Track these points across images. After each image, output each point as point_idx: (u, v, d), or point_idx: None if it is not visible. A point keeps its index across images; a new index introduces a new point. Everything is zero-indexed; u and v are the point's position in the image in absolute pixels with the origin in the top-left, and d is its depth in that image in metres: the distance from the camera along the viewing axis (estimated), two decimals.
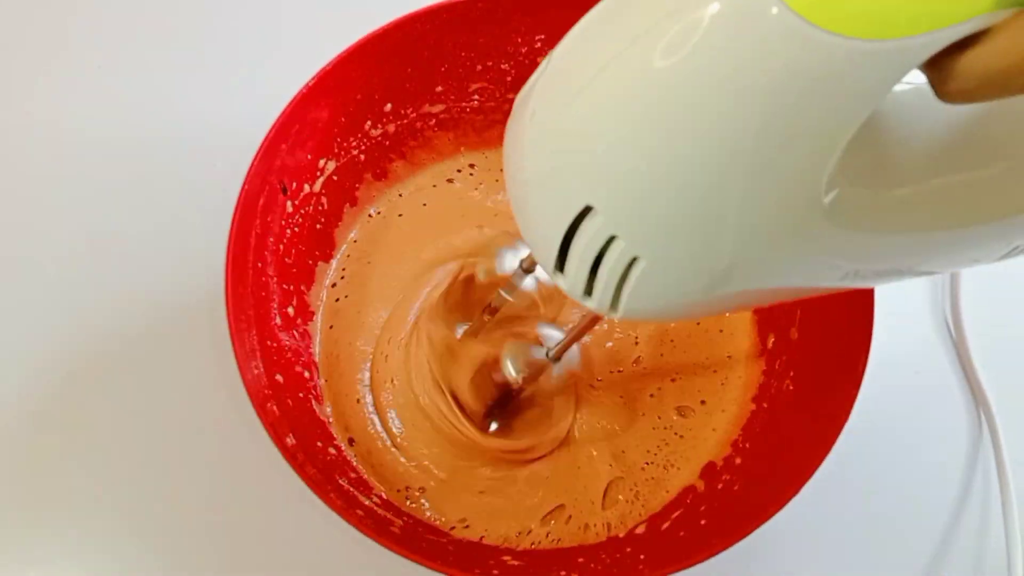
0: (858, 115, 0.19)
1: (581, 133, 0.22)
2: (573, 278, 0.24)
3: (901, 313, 0.46)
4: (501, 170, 0.46)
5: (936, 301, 0.47)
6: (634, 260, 0.22)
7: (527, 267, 0.36)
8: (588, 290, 0.24)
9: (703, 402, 0.42)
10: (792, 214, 0.21)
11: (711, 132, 0.20)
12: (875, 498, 0.42)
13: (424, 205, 0.45)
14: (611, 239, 0.22)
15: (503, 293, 0.38)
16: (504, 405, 0.41)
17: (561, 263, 0.24)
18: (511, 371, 0.37)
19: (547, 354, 0.37)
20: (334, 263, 0.44)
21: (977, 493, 0.43)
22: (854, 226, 0.22)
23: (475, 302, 0.42)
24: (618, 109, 0.21)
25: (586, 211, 0.22)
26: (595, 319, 0.34)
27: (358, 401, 0.41)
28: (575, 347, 0.39)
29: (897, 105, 0.23)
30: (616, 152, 0.21)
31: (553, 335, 0.40)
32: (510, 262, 0.38)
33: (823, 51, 0.18)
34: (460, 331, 0.41)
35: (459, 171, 0.46)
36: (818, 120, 0.19)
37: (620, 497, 0.40)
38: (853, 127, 0.19)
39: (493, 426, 0.40)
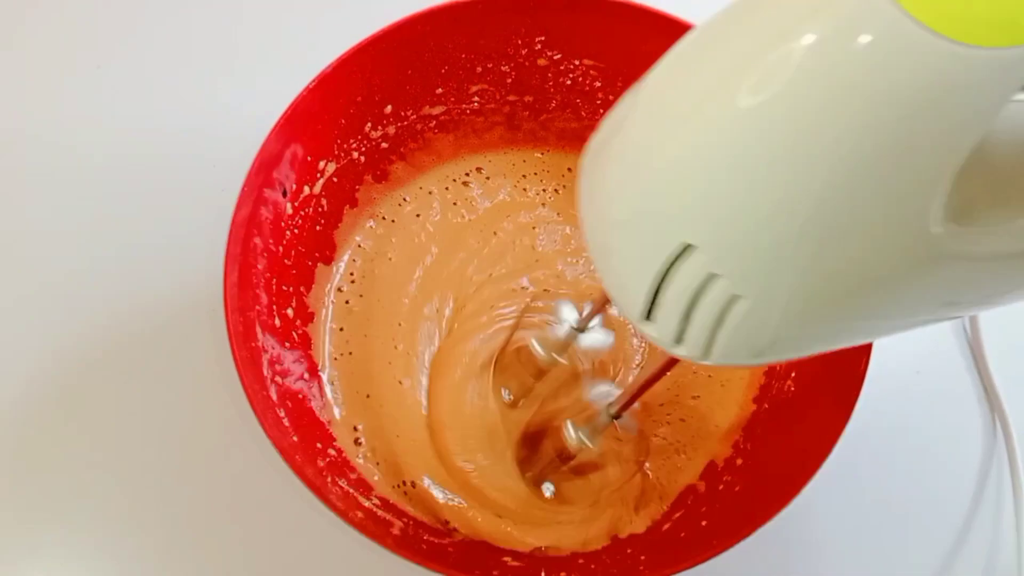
0: (976, 132, 0.18)
1: (680, 170, 0.21)
2: (664, 323, 0.23)
3: None
4: (502, 176, 0.46)
5: None
6: (733, 300, 0.21)
7: (580, 327, 0.35)
8: (679, 337, 0.23)
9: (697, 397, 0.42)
10: (904, 244, 0.20)
11: (823, 160, 0.19)
12: (878, 499, 0.42)
13: (434, 206, 0.46)
14: (710, 278, 0.21)
15: (555, 355, 0.38)
16: (555, 470, 0.40)
17: (649, 309, 0.23)
18: (572, 436, 0.36)
19: (608, 411, 0.35)
20: (343, 265, 0.43)
21: (984, 495, 0.43)
22: (963, 255, 0.21)
23: (523, 367, 0.41)
24: (722, 143, 0.20)
25: (684, 250, 0.21)
26: (657, 375, 0.32)
27: (368, 397, 0.41)
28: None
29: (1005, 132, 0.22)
30: (721, 187, 0.20)
31: (607, 392, 0.39)
32: (563, 324, 0.37)
33: (944, 61, 0.17)
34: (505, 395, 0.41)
35: (467, 174, 0.46)
36: (933, 139, 0.18)
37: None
38: (970, 145, 0.18)
39: (548, 490, 0.40)
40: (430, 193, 0.46)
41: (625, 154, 0.23)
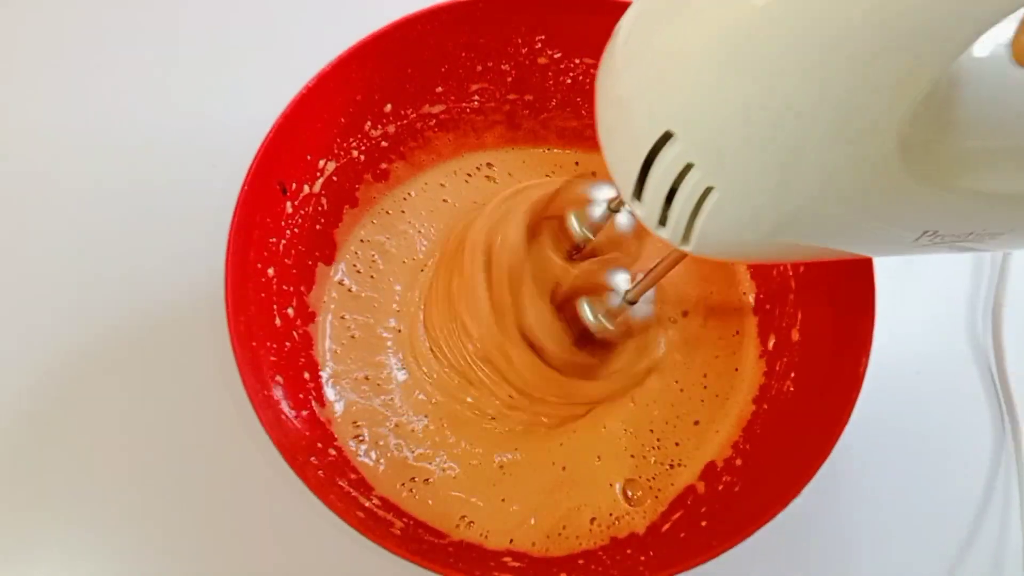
0: (946, 55, 0.19)
1: (669, 57, 0.22)
2: (649, 206, 0.24)
3: (901, 316, 0.46)
4: (507, 174, 0.46)
5: (952, 302, 0.47)
6: (709, 191, 0.23)
7: (615, 207, 0.37)
8: (663, 220, 0.25)
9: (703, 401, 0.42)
10: (869, 158, 0.21)
11: (802, 66, 0.20)
12: (878, 499, 0.42)
13: (444, 201, 0.46)
14: (688, 167, 0.23)
15: (585, 229, 0.39)
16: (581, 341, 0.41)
17: (639, 190, 0.25)
18: (589, 317, 0.38)
19: (624, 298, 0.37)
20: (343, 264, 0.43)
21: (990, 495, 0.43)
22: (929, 180, 0.22)
23: (557, 233, 0.42)
24: (710, 37, 0.21)
25: (666, 137, 0.23)
26: (673, 262, 0.34)
27: (365, 381, 0.41)
28: (651, 293, 0.39)
29: (976, 70, 0.23)
30: (701, 79, 0.21)
31: (624, 280, 0.39)
32: (599, 201, 0.38)
33: None
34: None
35: (478, 168, 0.46)
36: (907, 55, 0.19)
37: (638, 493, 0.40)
38: (940, 66, 0.19)
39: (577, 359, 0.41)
40: (441, 185, 0.46)
41: (631, 37, 0.24)
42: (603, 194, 0.39)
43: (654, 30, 0.23)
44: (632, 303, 0.37)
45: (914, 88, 0.20)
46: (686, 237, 0.25)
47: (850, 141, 0.21)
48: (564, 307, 0.40)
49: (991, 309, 0.47)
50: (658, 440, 0.41)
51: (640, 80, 0.23)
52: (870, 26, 0.19)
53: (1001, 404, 0.44)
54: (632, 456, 0.41)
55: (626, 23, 0.25)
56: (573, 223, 0.39)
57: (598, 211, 0.39)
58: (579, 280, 0.40)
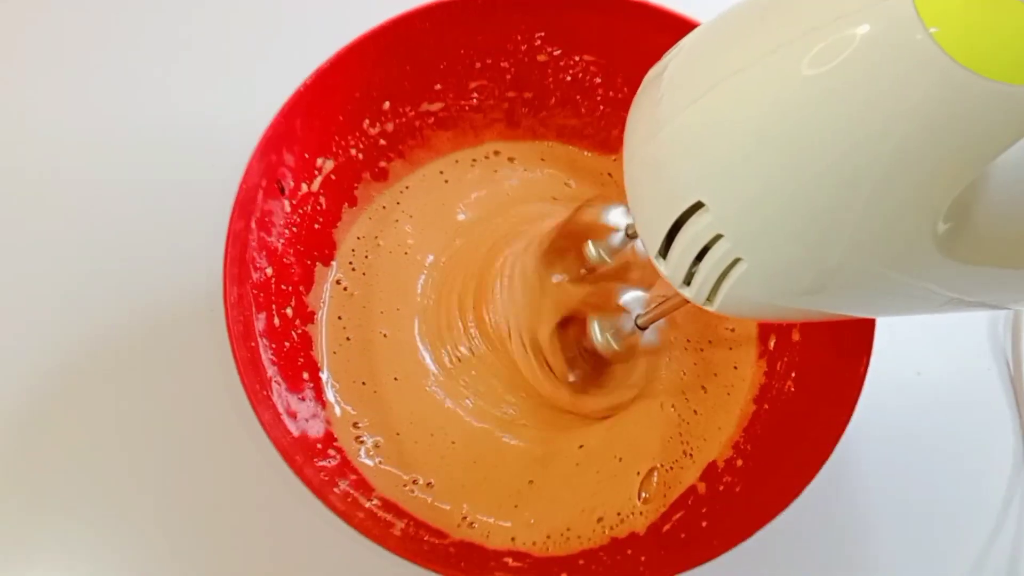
0: (988, 156, 0.19)
1: (706, 130, 0.22)
2: (674, 267, 0.25)
3: (902, 316, 0.46)
4: (526, 159, 0.46)
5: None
6: (736, 261, 0.23)
7: (632, 234, 0.36)
8: (687, 280, 0.25)
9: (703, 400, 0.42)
10: (903, 240, 0.21)
11: (841, 149, 0.20)
12: (880, 500, 0.42)
13: (447, 182, 0.45)
14: (717, 237, 0.23)
15: (603, 254, 0.39)
16: (584, 364, 0.41)
17: (665, 249, 0.25)
18: (597, 336, 0.37)
19: (635, 322, 0.37)
20: (342, 261, 0.43)
21: (990, 497, 0.43)
22: (962, 258, 0.22)
23: (573, 257, 0.41)
24: (749, 113, 0.21)
25: (697, 206, 0.22)
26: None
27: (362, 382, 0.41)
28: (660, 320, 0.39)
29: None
30: (738, 155, 0.21)
31: (638, 301, 0.39)
32: (616, 221, 0.38)
33: (964, 89, 0.18)
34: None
35: (487, 157, 0.46)
36: (949, 154, 0.19)
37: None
38: (982, 166, 0.19)
39: (570, 378, 0.40)
40: (440, 172, 0.46)
41: (661, 101, 0.24)
42: (621, 220, 0.38)
43: (695, 98, 0.22)
44: (642, 328, 0.37)
45: (953, 185, 0.20)
46: (710, 299, 0.25)
47: (883, 226, 0.21)
48: (567, 324, 0.40)
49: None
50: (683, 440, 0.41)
51: (675, 145, 0.23)
52: (916, 130, 0.19)
53: (1011, 405, 0.44)
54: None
55: (666, 81, 0.24)
56: (591, 250, 0.39)
57: (616, 238, 0.38)
58: (592, 298, 0.40)
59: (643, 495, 0.40)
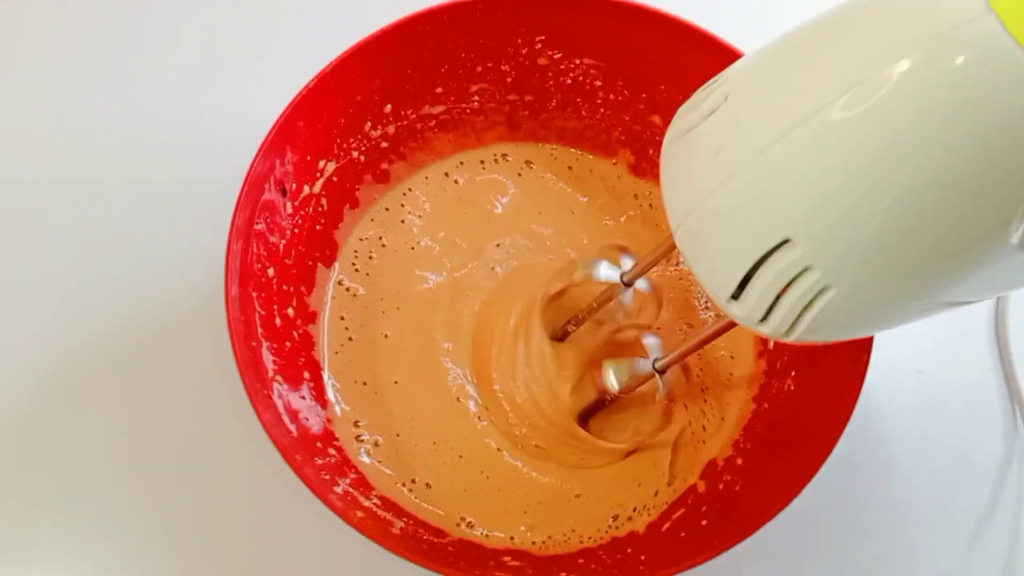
0: None
1: (790, 171, 0.22)
2: (752, 306, 0.25)
3: None
4: (528, 161, 0.46)
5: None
6: (823, 290, 0.23)
7: (628, 280, 0.36)
8: (765, 317, 0.25)
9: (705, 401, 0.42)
10: (985, 248, 0.22)
11: (926, 173, 0.20)
12: (879, 499, 0.42)
13: (456, 181, 0.46)
14: (804, 270, 0.23)
15: (602, 307, 0.39)
16: (596, 409, 0.41)
17: (739, 292, 0.25)
18: (613, 383, 0.37)
19: (653, 365, 0.36)
20: (343, 262, 0.43)
21: (991, 496, 0.42)
22: None
23: (564, 311, 0.42)
24: (833, 151, 0.22)
25: (782, 243, 0.23)
26: (711, 336, 0.33)
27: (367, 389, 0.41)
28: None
29: None
30: (825, 190, 0.22)
31: (657, 346, 0.39)
32: (607, 274, 0.37)
33: None
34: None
35: (496, 160, 0.46)
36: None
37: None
38: None
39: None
40: (446, 174, 0.46)
41: (721, 150, 0.24)
42: (612, 273, 0.38)
43: (771, 141, 0.23)
44: (661, 372, 0.37)
45: None
46: (790, 331, 0.25)
47: (972, 241, 0.21)
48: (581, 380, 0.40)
49: (994, 307, 0.46)
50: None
51: (753, 190, 0.23)
52: (1006, 149, 0.20)
53: (1010, 403, 0.44)
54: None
55: (721, 127, 0.25)
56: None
57: (614, 289, 0.38)
58: (604, 349, 0.40)
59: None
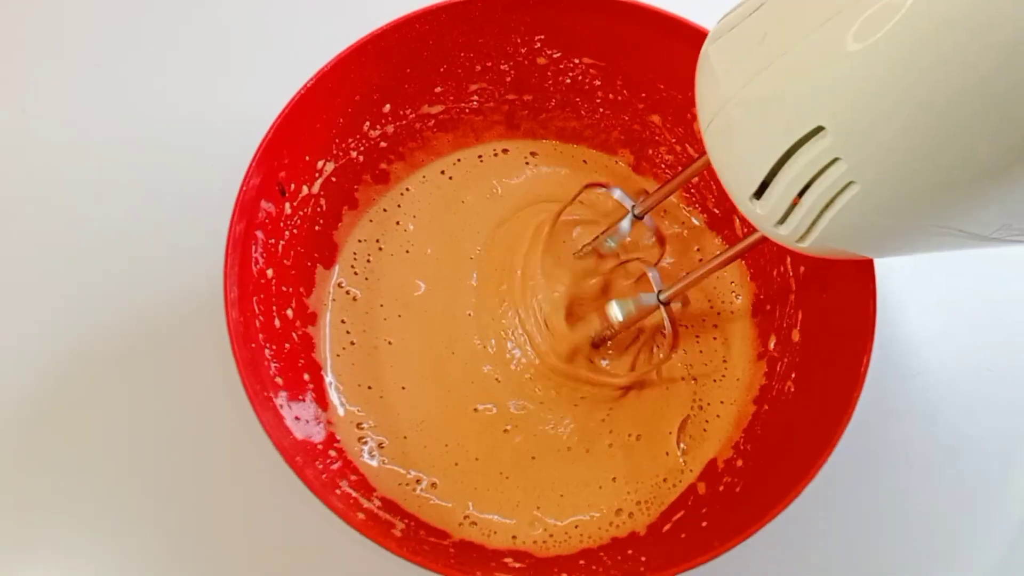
0: None
1: (827, 57, 0.23)
2: (774, 204, 0.25)
3: (903, 317, 0.46)
4: (533, 152, 0.46)
5: (953, 304, 0.47)
6: (847, 185, 0.24)
7: (640, 212, 0.38)
8: (784, 218, 0.25)
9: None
10: (1003, 172, 0.22)
11: (975, 57, 0.20)
12: (879, 500, 0.42)
13: (450, 178, 0.46)
14: (832, 161, 0.23)
15: (609, 238, 0.41)
16: (599, 344, 0.42)
17: (761, 190, 0.25)
18: (617, 314, 0.39)
19: (658, 297, 0.38)
20: (343, 263, 0.43)
21: (989, 498, 0.43)
22: None
23: (567, 247, 0.44)
24: (873, 37, 0.22)
25: (815, 132, 0.23)
26: (712, 269, 0.35)
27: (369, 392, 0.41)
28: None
29: None
30: (863, 77, 0.22)
31: (658, 280, 0.40)
32: (620, 196, 0.39)
33: None
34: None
35: (495, 154, 0.46)
36: None
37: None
38: None
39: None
40: (442, 172, 0.46)
41: (767, 36, 0.25)
42: (625, 200, 0.39)
43: (813, 27, 0.23)
44: (666, 304, 0.38)
45: None
46: (805, 235, 0.25)
47: (1007, 135, 0.21)
48: (581, 305, 0.42)
49: (994, 307, 0.47)
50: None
51: (789, 76, 0.24)
52: None
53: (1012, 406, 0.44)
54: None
55: (764, 19, 0.25)
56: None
57: (624, 224, 0.40)
58: (607, 278, 0.42)
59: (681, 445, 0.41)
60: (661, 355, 0.42)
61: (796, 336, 0.40)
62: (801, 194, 0.25)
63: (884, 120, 0.22)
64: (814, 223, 0.25)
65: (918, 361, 0.45)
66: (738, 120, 0.26)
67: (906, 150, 0.22)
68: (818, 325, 0.39)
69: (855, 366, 0.34)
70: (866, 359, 0.34)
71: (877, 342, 0.35)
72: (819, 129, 0.23)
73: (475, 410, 0.41)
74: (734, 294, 0.44)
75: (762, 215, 0.26)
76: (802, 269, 0.40)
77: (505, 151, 0.46)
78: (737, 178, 0.26)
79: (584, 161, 0.47)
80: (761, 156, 0.25)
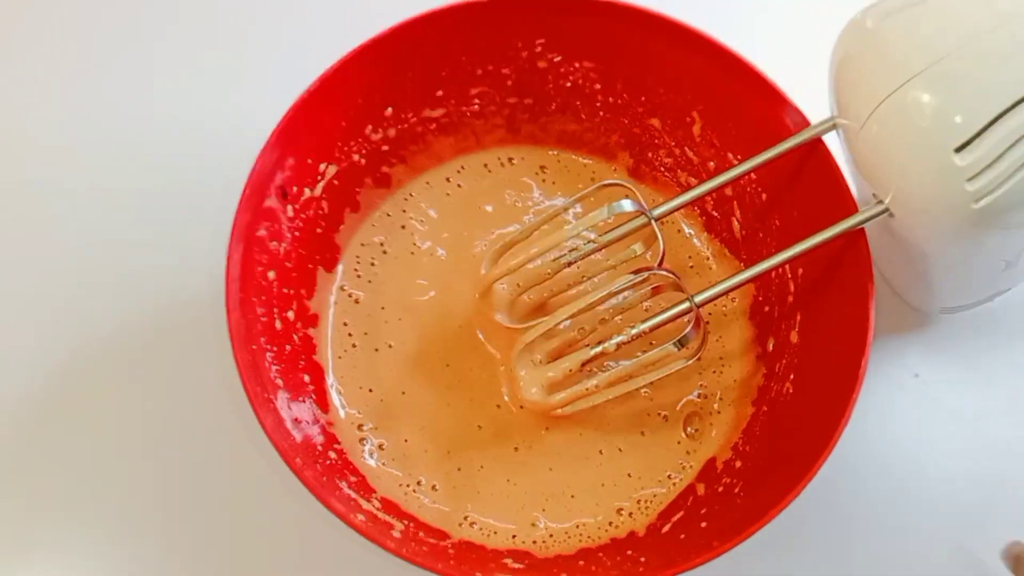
0: None
1: None
2: (977, 157, 0.28)
3: (903, 318, 0.46)
4: (543, 166, 0.46)
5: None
6: None
7: (661, 214, 0.37)
8: (977, 174, 0.28)
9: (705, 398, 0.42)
10: None
11: None
12: (878, 501, 0.42)
13: (447, 195, 0.46)
14: None
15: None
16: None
17: (966, 144, 0.28)
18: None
19: (692, 300, 0.36)
20: (345, 266, 0.43)
21: (990, 496, 0.43)
22: None
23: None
24: None
25: None
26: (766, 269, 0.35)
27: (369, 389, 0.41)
28: None
29: None
30: None
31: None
32: (632, 208, 0.37)
33: None
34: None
35: (502, 164, 0.46)
36: None
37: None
38: None
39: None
40: (448, 179, 0.46)
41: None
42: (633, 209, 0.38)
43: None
44: (699, 306, 0.36)
45: None
46: (993, 192, 0.28)
47: None
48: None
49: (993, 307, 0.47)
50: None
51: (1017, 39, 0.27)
52: None
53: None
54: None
55: None
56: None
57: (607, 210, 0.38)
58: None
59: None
60: (683, 362, 0.39)
61: (795, 337, 0.40)
62: (1003, 154, 0.27)
63: None
64: (1005, 181, 0.27)
65: (919, 361, 0.45)
66: (963, 72, 0.28)
67: None
68: (817, 327, 0.39)
69: (854, 368, 0.34)
70: (864, 361, 0.34)
71: (876, 343, 0.35)
72: None
73: (479, 428, 0.41)
74: (732, 296, 0.44)
75: (961, 167, 0.28)
76: (800, 271, 0.40)
77: (511, 160, 0.47)
78: (942, 127, 0.28)
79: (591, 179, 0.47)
80: (980, 108, 0.27)
